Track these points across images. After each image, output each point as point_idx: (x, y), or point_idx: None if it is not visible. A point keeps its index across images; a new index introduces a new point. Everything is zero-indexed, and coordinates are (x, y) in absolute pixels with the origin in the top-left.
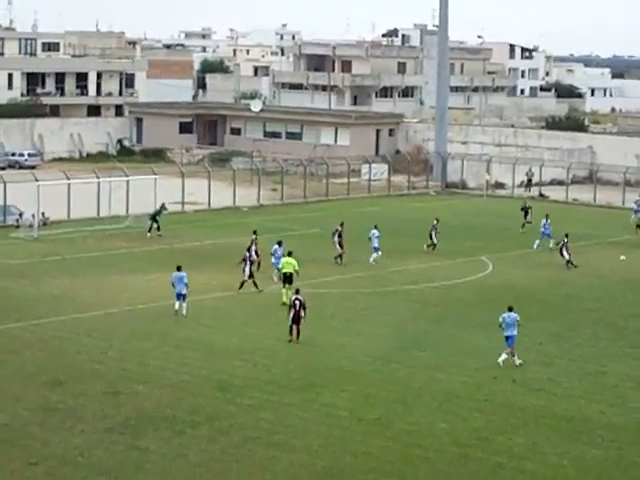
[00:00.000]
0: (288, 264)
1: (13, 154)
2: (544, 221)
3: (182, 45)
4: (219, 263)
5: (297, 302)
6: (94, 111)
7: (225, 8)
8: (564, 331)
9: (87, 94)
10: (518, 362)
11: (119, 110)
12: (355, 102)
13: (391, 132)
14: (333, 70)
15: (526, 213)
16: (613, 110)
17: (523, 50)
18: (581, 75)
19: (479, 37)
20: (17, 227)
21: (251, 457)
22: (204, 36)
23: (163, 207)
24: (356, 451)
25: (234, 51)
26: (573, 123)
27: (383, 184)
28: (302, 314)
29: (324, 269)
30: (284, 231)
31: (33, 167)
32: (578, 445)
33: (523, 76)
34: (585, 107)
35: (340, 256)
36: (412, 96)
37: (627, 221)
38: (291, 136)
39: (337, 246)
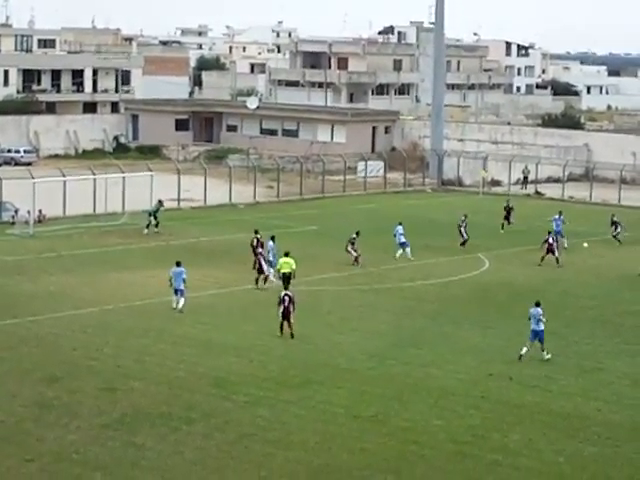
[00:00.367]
0: (286, 264)
1: (9, 151)
2: (555, 217)
3: (178, 42)
4: (215, 260)
5: (286, 297)
6: (90, 108)
7: (221, 5)
8: (560, 328)
9: (83, 91)
10: (547, 357)
11: (115, 107)
12: (351, 99)
13: (387, 129)
14: (329, 67)
15: (508, 213)
16: (609, 108)
17: (519, 48)
18: (577, 73)
19: (475, 34)
20: (13, 224)
21: (247, 454)
22: (200, 33)
23: (161, 204)
24: (352, 448)
25: (230, 48)
26: (569, 121)
27: (379, 181)
28: (291, 309)
29: (320, 266)
30: (280, 228)
31: (29, 164)
32: (574, 442)
33: (519, 74)
34: (581, 105)
35: (357, 259)
36: (408, 93)
37: (624, 218)
38: (287, 133)
39: (352, 252)
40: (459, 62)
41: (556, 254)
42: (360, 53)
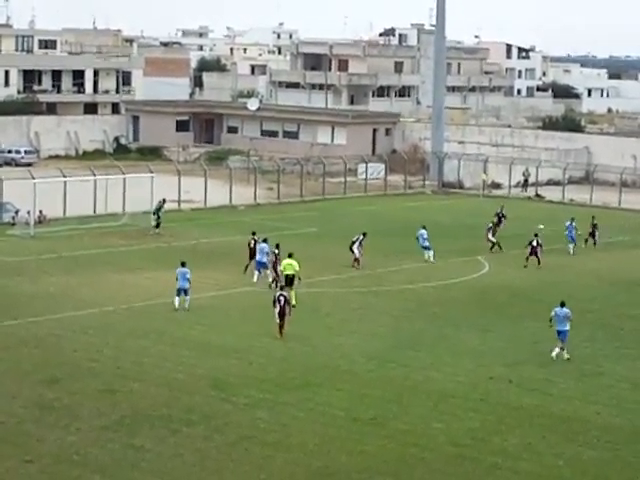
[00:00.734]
0: (289, 266)
1: (9, 151)
2: (568, 223)
3: (179, 43)
4: (215, 261)
5: (282, 298)
6: (91, 109)
7: (222, 6)
8: None
9: (84, 92)
10: (566, 357)
11: (116, 108)
12: (352, 101)
13: (388, 131)
14: (330, 69)
15: (499, 220)
16: (610, 111)
17: (520, 50)
18: (578, 75)
19: (476, 37)
20: (13, 225)
21: (246, 456)
22: (201, 34)
23: (164, 202)
24: (352, 450)
25: (231, 49)
26: (570, 123)
27: (380, 183)
28: (287, 310)
29: (320, 268)
30: (280, 230)
31: (29, 164)
32: (574, 446)
33: (520, 76)
34: (582, 107)
35: (358, 260)
36: (409, 96)
37: (623, 222)
38: (288, 135)
39: (356, 252)
40: (460, 64)
41: (539, 255)
42: (361, 55)
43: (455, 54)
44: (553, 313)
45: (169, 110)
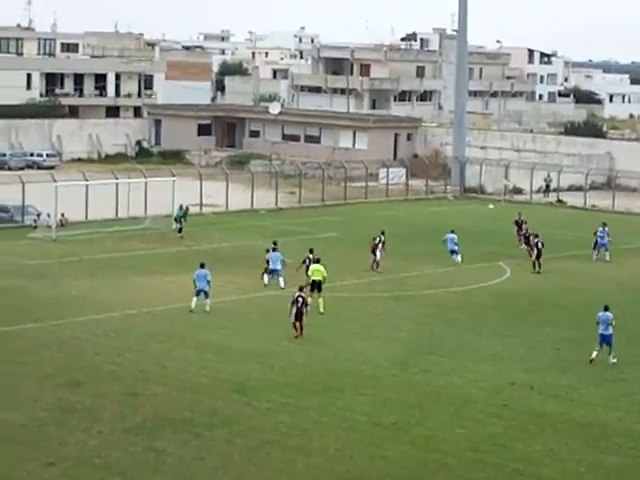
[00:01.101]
0: (317, 271)
1: (31, 154)
2: (600, 229)
3: (201, 47)
4: (236, 266)
5: (300, 299)
6: (113, 112)
7: (244, 10)
8: (581, 337)
9: (106, 95)
10: (613, 360)
11: (138, 111)
12: (373, 106)
13: (409, 136)
14: (352, 73)
15: (519, 228)
16: (632, 116)
17: (542, 55)
18: (600, 81)
19: (498, 42)
20: (35, 227)
21: (268, 460)
22: (223, 38)
23: (187, 209)
24: (373, 455)
25: (253, 54)
26: (592, 129)
27: (401, 188)
28: (304, 311)
29: (342, 273)
30: (301, 234)
31: (51, 167)
32: (596, 452)
33: (542, 81)
34: (604, 113)
35: (378, 263)
36: (430, 100)
37: None
38: (309, 139)
39: (378, 255)
40: (481, 69)
41: (540, 259)
42: (382, 59)
43: (477, 59)
44: (597, 317)
45: (191, 114)
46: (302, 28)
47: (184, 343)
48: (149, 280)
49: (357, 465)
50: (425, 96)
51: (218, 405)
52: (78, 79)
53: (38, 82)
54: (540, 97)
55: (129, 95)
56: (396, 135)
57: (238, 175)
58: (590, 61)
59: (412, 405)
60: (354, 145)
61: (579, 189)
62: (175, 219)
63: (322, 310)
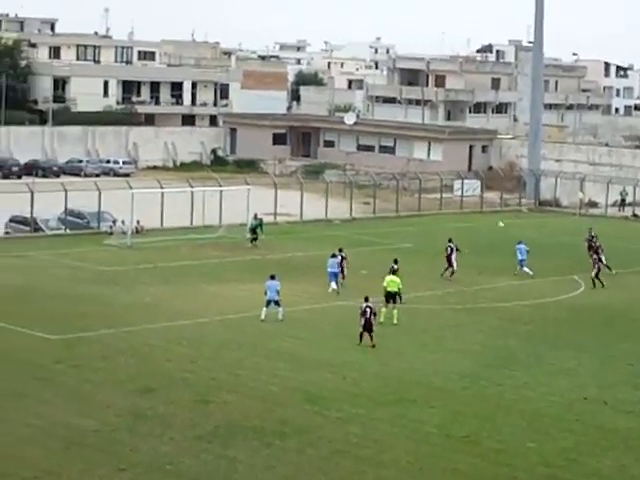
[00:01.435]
0: (393, 283)
1: (108, 161)
2: None
3: (277, 57)
4: (309, 275)
5: (368, 310)
6: (188, 120)
7: (320, 21)
8: None
9: (182, 103)
10: None
11: (213, 120)
12: (448, 117)
13: (484, 148)
14: (427, 84)
15: (590, 247)
16: None
17: (618, 69)
18: None
19: (574, 54)
20: (110, 234)
21: (339, 470)
22: (299, 48)
23: (261, 220)
24: (444, 468)
25: (328, 64)
26: None
27: (475, 200)
28: (373, 321)
29: (415, 284)
30: (375, 245)
31: (127, 175)
32: None
33: (618, 94)
34: None
35: (448, 271)
36: (506, 112)
37: None
38: (384, 150)
39: (454, 264)
40: (557, 82)
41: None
42: (458, 71)
43: (553, 71)
44: None
45: (266, 123)
46: (378, 39)
47: (256, 351)
48: (222, 288)
49: (428, 477)
50: (500, 108)
51: (289, 414)
52: (154, 87)
53: (115, 90)
54: (616, 110)
55: (205, 104)
56: (471, 147)
57: (312, 185)
58: None
59: (483, 418)
60: (429, 156)
61: None
62: (250, 229)
63: (396, 321)
